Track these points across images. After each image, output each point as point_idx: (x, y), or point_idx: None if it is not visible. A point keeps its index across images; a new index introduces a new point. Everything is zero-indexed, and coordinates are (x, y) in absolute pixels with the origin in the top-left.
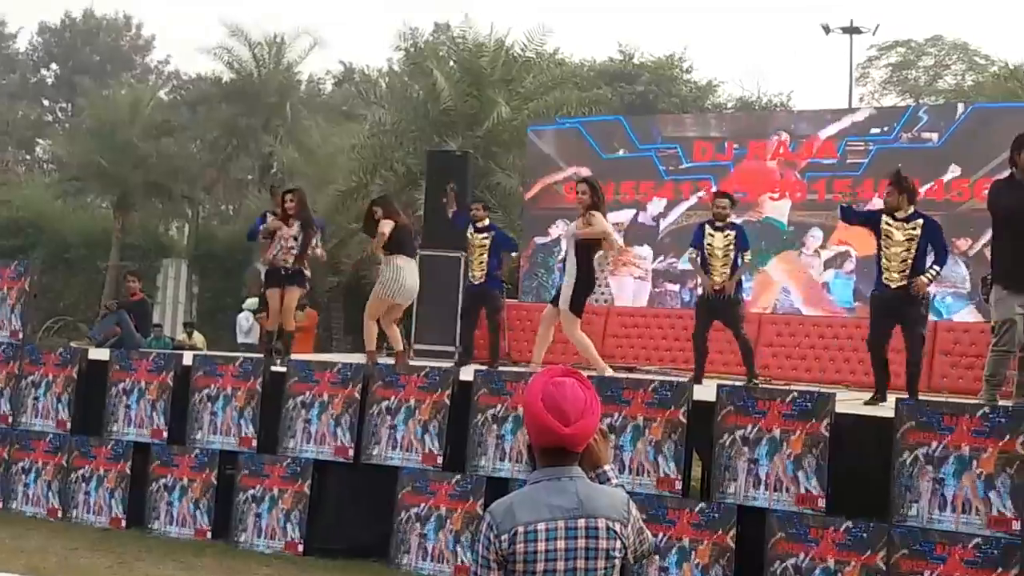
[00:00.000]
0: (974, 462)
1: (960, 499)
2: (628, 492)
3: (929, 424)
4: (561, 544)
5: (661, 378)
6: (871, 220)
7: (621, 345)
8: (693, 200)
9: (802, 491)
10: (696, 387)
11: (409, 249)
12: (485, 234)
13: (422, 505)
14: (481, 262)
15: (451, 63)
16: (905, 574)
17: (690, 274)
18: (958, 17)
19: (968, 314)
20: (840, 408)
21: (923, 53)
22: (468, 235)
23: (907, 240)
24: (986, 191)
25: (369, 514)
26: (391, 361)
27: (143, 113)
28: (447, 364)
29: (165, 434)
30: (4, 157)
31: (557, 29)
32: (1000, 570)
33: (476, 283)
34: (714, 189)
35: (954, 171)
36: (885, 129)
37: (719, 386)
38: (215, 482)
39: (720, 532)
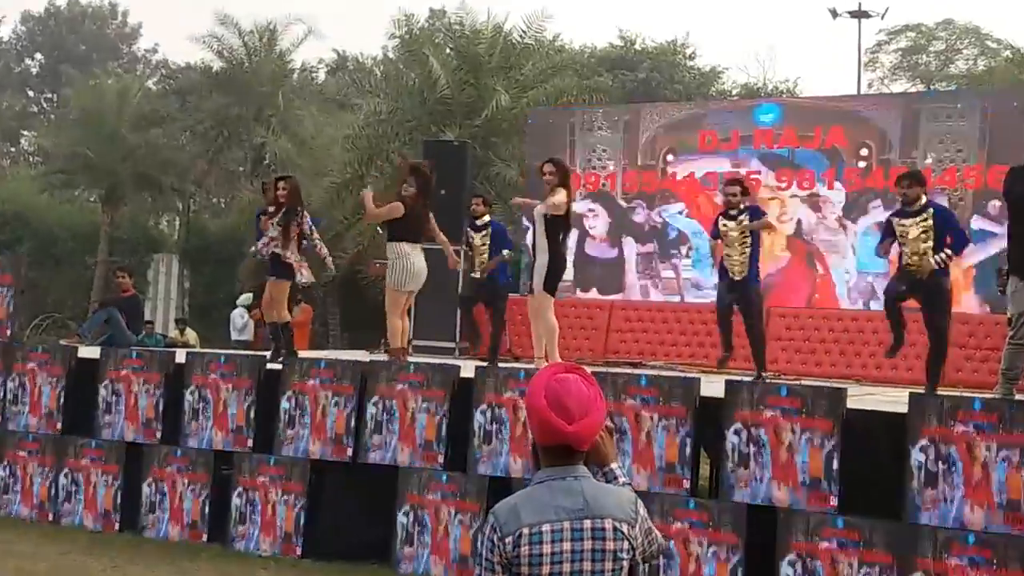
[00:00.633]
0: (989, 458)
1: (976, 496)
2: (635, 491)
3: (943, 419)
4: (567, 546)
5: (667, 373)
6: (889, 231)
7: (625, 340)
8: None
9: (813, 489)
10: (704, 382)
11: (414, 235)
12: (484, 232)
13: (423, 506)
14: (483, 262)
15: (448, 50)
16: (920, 574)
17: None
18: (969, 0)
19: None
20: (852, 403)
21: (934, 37)
22: (466, 232)
23: (922, 232)
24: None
25: (368, 515)
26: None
27: (131, 103)
28: (448, 360)
29: (158, 434)
30: None
31: (557, 14)
32: (1020, 569)
33: (478, 277)
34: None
35: None
36: None
37: (728, 382)
38: (210, 483)
39: (729, 531)
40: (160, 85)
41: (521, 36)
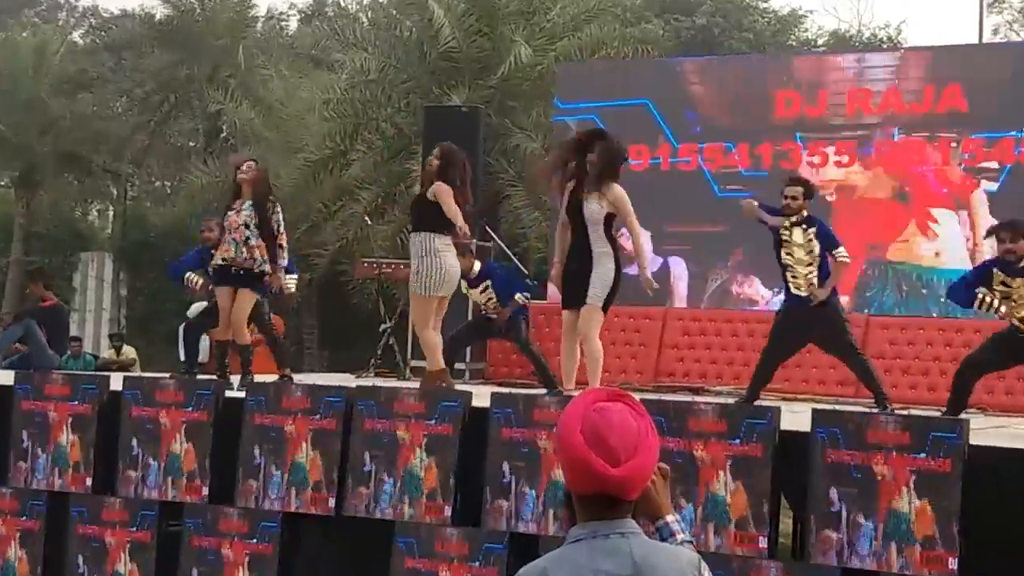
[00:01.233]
0: None
1: None
2: (698, 551)
3: None
4: None
5: (737, 401)
6: (983, 279)
7: (683, 358)
8: None
9: (926, 548)
10: (785, 412)
11: (447, 225)
12: (481, 286)
13: (425, 571)
14: (484, 289)
15: None
16: None
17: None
18: None
19: None
20: (975, 438)
21: None
22: (462, 289)
23: None
24: None
25: None
26: (413, 384)
27: (51, 62)
28: (456, 385)
29: (88, 482)
30: None
31: None
32: None
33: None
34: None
35: None
36: None
37: (815, 411)
38: (155, 543)
39: None
40: (89, 39)
41: None
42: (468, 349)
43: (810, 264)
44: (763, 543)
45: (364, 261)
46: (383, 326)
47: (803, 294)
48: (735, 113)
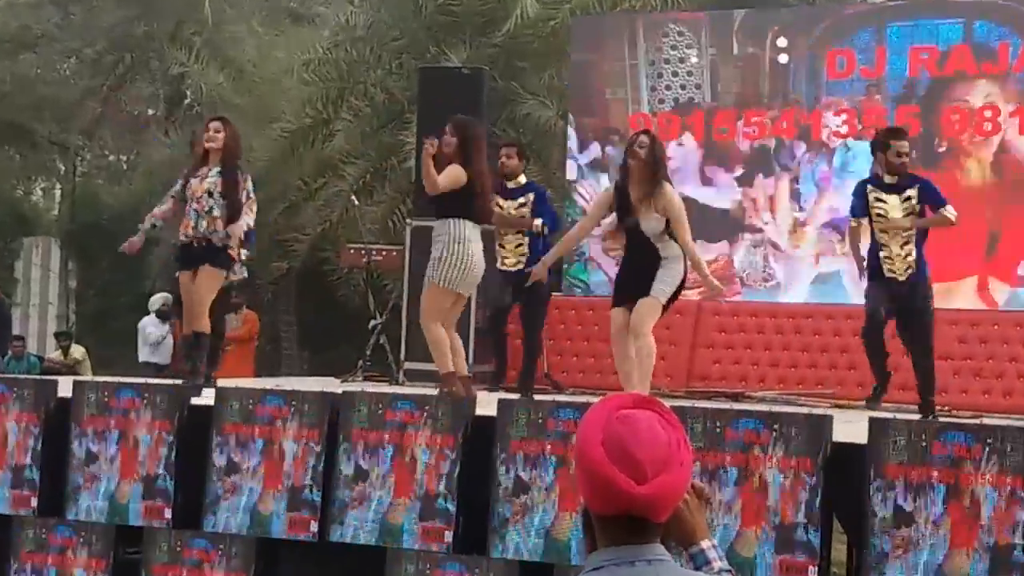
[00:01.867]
0: None
1: None
2: None
3: None
4: None
5: (783, 409)
6: None
7: (720, 360)
8: None
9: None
10: (837, 422)
11: (478, 212)
12: (521, 198)
13: None
14: (519, 244)
15: None
16: None
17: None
18: None
19: None
20: None
21: None
22: (495, 202)
23: None
24: None
25: None
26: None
27: None
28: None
29: (34, 502)
30: None
31: None
32: None
33: (511, 270)
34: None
35: None
36: None
37: (872, 420)
38: (109, 570)
39: None
40: None
41: None
42: (471, 348)
43: (907, 241)
44: (813, 571)
45: (350, 247)
46: (373, 322)
47: (900, 278)
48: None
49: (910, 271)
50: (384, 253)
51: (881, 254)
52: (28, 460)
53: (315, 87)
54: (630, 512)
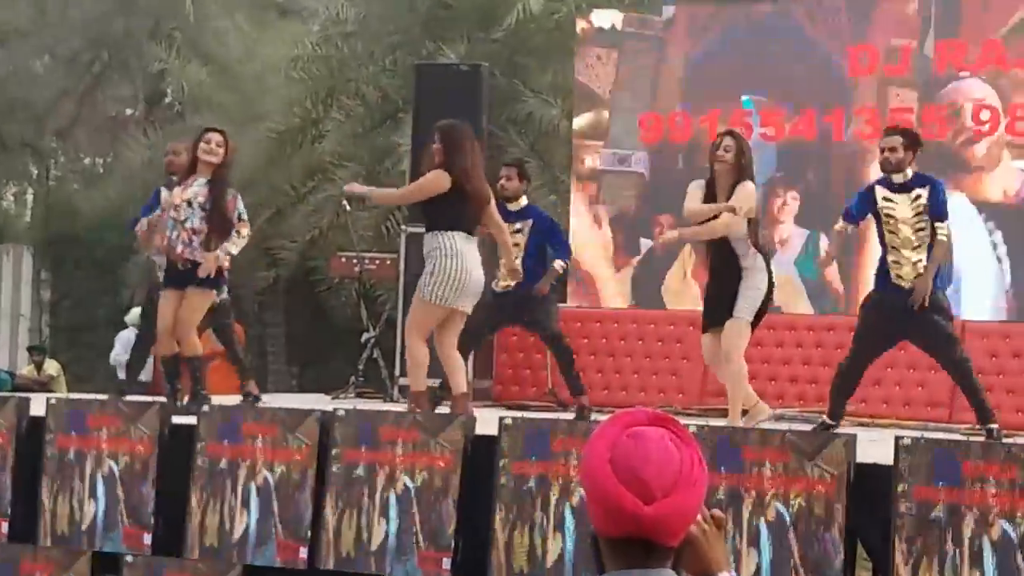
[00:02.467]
0: None
1: None
2: None
3: None
4: None
5: (803, 427)
6: None
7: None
8: None
9: None
10: (862, 440)
11: (471, 222)
12: (519, 223)
13: None
14: (516, 268)
15: None
16: None
17: None
18: None
19: None
20: None
21: None
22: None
23: None
24: None
25: None
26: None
27: None
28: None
29: (4, 528)
30: None
31: None
32: None
33: (509, 287)
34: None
35: None
36: None
37: (898, 439)
38: None
39: None
40: None
41: None
42: (470, 361)
43: (918, 245)
44: None
45: (342, 255)
46: (365, 335)
47: (906, 286)
48: None
49: (919, 279)
50: (377, 262)
51: (890, 258)
52: None
53: (303, 85)
54: (637, 535)
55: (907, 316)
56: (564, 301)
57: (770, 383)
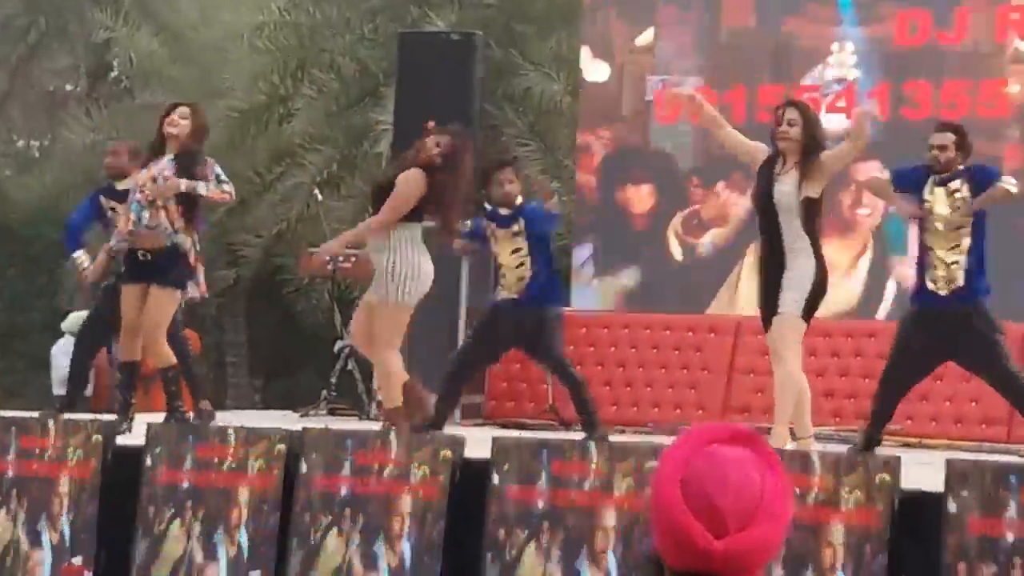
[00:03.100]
0: None
1: None
2: None
3: None
4: None
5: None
6: None
7: (762, 389)
8: None
9: None
10: (907, 463)
11: (417, 214)
12: (515, 226)
13: None
14: (519, 266)
15: None
16: None
17: None
18: None
19: None
20: None
21: None
22: (485, 228)
23: None
24: None
25: None
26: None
27: None
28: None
29: None
30: None
31: None
32: None
33: (512, 298)
34: None
35: None
36: None
37: (949, 462)
38: None
39: None
40: None
41: None
42: None
43: (956, 245)
44: None
45: (313, 252)
46: (339, 344)
47: (942, 292)
48: None
49: (954, 285)
50: (353, 259)
51: (924, 258)
52: None
53: (270, 56)
54: (707, 570)
55: (947, 333)
56: (567, 304)
57: None
